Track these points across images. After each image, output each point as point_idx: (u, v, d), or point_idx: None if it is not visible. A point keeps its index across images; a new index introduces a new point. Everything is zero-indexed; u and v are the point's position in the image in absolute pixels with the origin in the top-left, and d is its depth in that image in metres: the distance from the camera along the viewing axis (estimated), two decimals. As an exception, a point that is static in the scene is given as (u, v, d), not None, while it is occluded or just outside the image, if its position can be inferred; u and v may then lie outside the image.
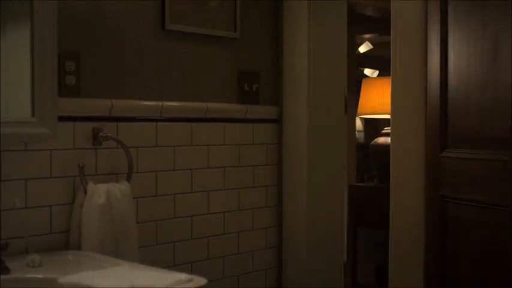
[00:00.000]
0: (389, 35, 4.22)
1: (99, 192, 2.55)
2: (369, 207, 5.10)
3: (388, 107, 4.36)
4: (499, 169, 3.24)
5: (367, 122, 8.48)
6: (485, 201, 3.22)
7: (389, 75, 4.34)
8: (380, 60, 7.15)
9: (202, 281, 2.03)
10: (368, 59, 7.78)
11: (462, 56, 3.64)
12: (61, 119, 2.48)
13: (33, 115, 2.39)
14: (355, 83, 6.41)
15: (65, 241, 2.55)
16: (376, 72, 8.31)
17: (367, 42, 7.41)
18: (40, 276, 2.13)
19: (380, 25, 6.45)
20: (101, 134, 2.65)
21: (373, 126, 7.58)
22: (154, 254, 2.85)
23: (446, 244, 3.34)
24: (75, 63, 2.60)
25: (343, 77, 3.50)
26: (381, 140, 5.03)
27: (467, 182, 3.49)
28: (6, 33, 2.35)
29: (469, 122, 3.53)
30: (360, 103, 5.67)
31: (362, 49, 7.33)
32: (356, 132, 6.91)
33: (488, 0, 3.42)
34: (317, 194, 3.29)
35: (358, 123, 7.82)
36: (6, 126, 2.27)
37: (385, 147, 4.22)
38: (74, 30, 2.61)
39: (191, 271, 2.85)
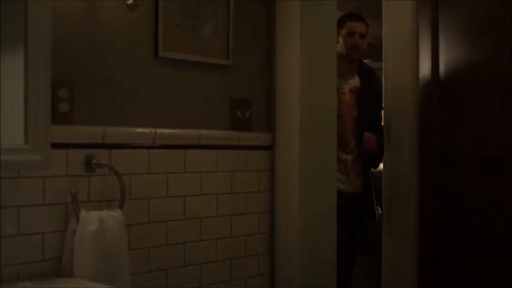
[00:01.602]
0: (381, 61, 4.27)
1: (91, 220, 2.55)
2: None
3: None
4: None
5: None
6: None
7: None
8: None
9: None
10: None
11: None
12: (54, 146, 2.48)
13: (26, 142, 2.39)
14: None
15: (57, 268, 2.54)
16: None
17: (359, 68, 7.43)
18: (32, 304, 2.12)
19: (372, 51, 6.48)
20: (93, 161, 2.65)
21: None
22: (147, 281, 2.85)
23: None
24: (69, 91, 2.61)
25: (335, 103, 3.50)
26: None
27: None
28: (-1, 60, 2.36)
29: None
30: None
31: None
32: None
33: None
34: (309, 221, 3.28)
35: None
36: (-1, 154, 2.27)
37: (379, 173, 4.24)
38: (68, 58, 2.62)
39: (183, 299, 2.84)
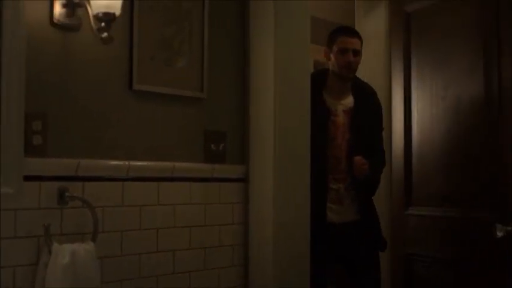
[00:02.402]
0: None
1: (63, 252, 2.54)
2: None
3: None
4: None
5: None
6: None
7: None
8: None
9: None
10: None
11: (425, 115, 3.74)
12: (27, 178, 2.49)
13: (-2, 175, 2.39)
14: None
15: (29, 302, 2.52)
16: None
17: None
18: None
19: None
20: (66, 193, 2.65)
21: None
22: (119, 314, 2.83)
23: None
24: (42, 123, 2.61)
25: (309, 135, 3.51)
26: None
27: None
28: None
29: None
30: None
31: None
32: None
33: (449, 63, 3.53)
34: (284, 253, 3.28)
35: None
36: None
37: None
38: (42, 90, 2.63)
39: (156, 332, 2.83)
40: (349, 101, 3.73)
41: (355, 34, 3.70)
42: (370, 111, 3.75)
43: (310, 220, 3.40)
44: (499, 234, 3.04)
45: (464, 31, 3.57)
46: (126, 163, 2.89)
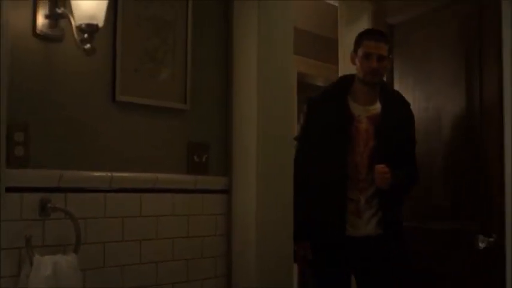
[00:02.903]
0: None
1: (45, 264, 2.52)
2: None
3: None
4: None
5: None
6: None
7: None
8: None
9: None
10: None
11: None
12: (9, 190, 2.47)
13: (-21, 187, 2.38)
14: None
15: (10, 314, 2.51)
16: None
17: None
18: None
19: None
20: (49, 205, 2.63)
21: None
22: (101, 326, 2.82)
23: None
24: (24, 134, 2.60)
25: (291, 147, 3.53)
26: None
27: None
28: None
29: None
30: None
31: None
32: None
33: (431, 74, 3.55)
34: (267, 265, 3.28)
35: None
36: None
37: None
38: (24, 101, 2.62)
39: None
40: (375, 107, 3.54)
41: (382, 38, 3.49)
42: (399, 120, 3.52)
43: (324, 231, 3.43)
44: (481, 245, 3.06)
45: (447, 44, 3.60)
46: (109, 174, 2.89)
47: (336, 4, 4.40)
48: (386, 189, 3.40)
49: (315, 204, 3.49)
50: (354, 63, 3.59)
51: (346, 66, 4.28)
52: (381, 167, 3.37)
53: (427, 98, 3.69)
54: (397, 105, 3.57)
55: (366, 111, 3.52)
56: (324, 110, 3.55)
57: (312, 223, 3.49)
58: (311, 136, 3.58)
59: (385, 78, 3.77)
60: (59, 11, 2.70)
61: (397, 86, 3.93)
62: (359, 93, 3.55)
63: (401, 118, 3.54)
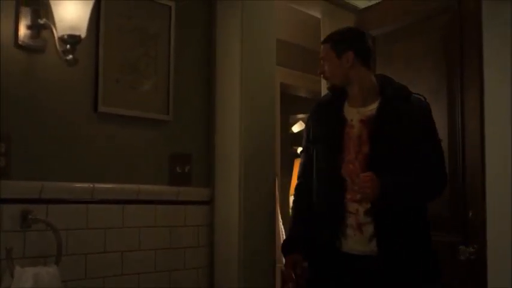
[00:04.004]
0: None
1: (26, 276, 2.50)
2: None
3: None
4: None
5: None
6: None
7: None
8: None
9: None
10: (302, 138, 7.91)
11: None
12: (-11, 201, 2.46)
13: (-40, 198, 2.36)
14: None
15: (-10, 327, 2.49)
16: (309, 152, 8.41)
17: (301, 122, 7.55)
18: None
19: (312, 105, 6.58)
20: (30, 216, 2.63)
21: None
22: (83, 338, 2.80)
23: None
24: (6, 145, 2.59)
25: (274, 158, 3.53)
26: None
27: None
28: None
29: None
30: (292, 183, 5.74)
31: (295, 129, 7.45)
32: (290, 210, 6.96)
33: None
34: (250, 276, 3.28)
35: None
36: None
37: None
38: (5, 112, 2.60)
39: None
40: (370, 108, 3.06)
41: (324, 40, 3.18)
42: (398, 119, 2.99)
43: (320, 249, 3.02)
44: (463, 257, 3.08)
45: (429, 55, 3.61)
46: (91, 185, 2.88)
47: (319, 16, 4.41)
48: (379, 202, 2.86)
49: (315, 219, 3.08)
50: None
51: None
52: (363, 176, 2.86)
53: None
54: (397, 102, 3.04)
55: (359, 114, 3.05)
56: (320, 116, 3.20)
57: (306, 237, 3.09)
58: (308, 147, 3.22)
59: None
60: (41, 21, 2.70)
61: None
62: (350, 94, 3.10)
63: (401, 116, 2.99)
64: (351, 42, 3.08)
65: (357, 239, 2.92)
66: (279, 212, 4.68)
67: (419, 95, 3.08)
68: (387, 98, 3.05)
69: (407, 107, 3.01)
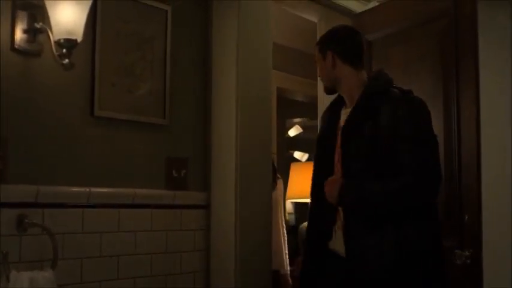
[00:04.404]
0: (317, 119, 4.34)
1: (21, 280, 2.50)
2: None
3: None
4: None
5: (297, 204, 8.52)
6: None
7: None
8: (309, 143, 7.27)
9: None
10: (298, 142, 7.89)
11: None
12: (-15, 205, 2.45)
13: (-44, 202, 2.36)
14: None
15: (-15, 331, 2.48)
16: (306, 156, 8.40)
17: (297, 126, 7.54)
18: None
19: (309, 110, 6.58)
20: (26, 220, 2.62)
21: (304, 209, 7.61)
22: None
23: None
24: (3, 149, 2.59)
25: (270, 162, 3.53)
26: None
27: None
28: None
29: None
30: (288, 186, 5.74)
31: (292, 133, 7.45)
32: (287, 215, 6.94)
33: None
34: (245, 280, 3.28)
35: (290, 206, 7.88)
36: None
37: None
38: (2, 115, 2.60)
39: None
40: (344, 116, 2.95)
41: (316, 43, 3.10)
42: (364, 117, 2.80)
43: (312, 246, 3.00)
44: (459, 261, 3.08)
45: (425, 59, 3.62)
46: (87, 190, 2.87)
47: (315, 20, 4.41)
48: (346, 207, 2.80)
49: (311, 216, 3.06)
50: None
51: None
52: (328, 180, 2.82)
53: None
54: (373, 99, 2.82)
55: (345, 115, 2.91)
56: (324, 118, 3.13)
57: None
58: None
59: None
60: (38, 25, 2.70)
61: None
62: (342, 94, 3.02)
63: (372, 115, 2.77)
64: (329, 41, 3.01)
65: (336, 240, 2.85)
66: (283, 218, 4.60)
67: (406, 89, 2.85)
68: (364, 95, 2.85)
69: (382, 104, 2.78)
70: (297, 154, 7.97)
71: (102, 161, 2.98)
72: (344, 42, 3.00)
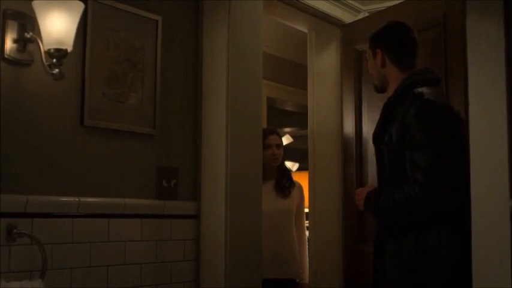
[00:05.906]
0: (307, 128, 4.37)
1: (11, 291, 2.50)
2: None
3: (306, 201, 4.43)
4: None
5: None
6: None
7: (308, 168, 4.43)
8: (300, 153, 7.29)
9: None
10: (288, 152, 7.93)
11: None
12: (-27, 215, 2.44)
13: None
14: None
15: None
16: (296, 165, 8.43)
17: (288, 135, 7.57)
18: None
19: (299, 119, 6.61)
20: (15, 230, 2.61)
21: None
22: None
23: None
24: (-9, 159, 2.58)
25: (261, 171, 3.52)
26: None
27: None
28: None
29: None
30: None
31: (283, 142, 7.47)
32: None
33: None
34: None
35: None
36: None
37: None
38: (-9, 126, 2.60)
39: None
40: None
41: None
42: (388, 120, 2.81)
43: None
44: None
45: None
46: (76, 199, 2.87)
47: (305, 31, 4.43)
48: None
49: None
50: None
51: (315, 91, 4.33)
52: (358, 189, 3.01)
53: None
54: (399, 101, 2.79)
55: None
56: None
57: None
58: None
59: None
60: (28, 35, 2.70)
61: (365, 114, 3.98)
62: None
63: (392, 119, 2.77)
64: (380, 39, 2.94)
65: None
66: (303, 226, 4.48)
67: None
68: (392, 97, 2.83)
69: (404, 106, 2.72)
70: (288, 164, 8.00)
71: (92, 170, 2.97)
72: (394, 42, 2.93)
